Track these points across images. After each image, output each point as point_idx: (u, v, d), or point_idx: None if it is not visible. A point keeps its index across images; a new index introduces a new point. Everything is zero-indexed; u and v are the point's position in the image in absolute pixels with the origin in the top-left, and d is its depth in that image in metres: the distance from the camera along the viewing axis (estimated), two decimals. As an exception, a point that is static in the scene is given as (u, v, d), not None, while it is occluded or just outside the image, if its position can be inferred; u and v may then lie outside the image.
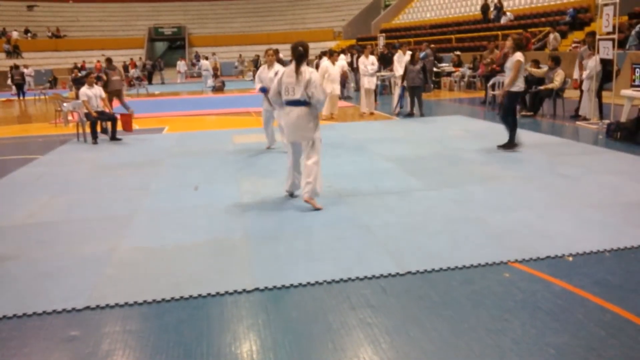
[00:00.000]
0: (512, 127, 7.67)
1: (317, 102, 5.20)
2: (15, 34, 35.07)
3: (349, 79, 16.82)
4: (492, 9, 23.73)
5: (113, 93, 12.02)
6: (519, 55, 7.37)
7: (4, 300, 3.53)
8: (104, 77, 12.26)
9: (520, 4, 23.82)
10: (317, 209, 5.21)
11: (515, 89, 7.48)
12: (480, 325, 3.04)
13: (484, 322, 3.07)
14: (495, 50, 14.87)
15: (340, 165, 7.11)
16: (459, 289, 3.49)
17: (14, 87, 22.95)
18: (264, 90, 8.17)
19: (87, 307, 3.38)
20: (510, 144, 7.68)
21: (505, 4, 23.77)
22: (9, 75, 24.18)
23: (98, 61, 20.79)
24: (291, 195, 5.70)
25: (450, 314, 3.18)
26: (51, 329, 3.17)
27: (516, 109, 7.87)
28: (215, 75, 24.52)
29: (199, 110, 15.17)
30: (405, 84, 11.95)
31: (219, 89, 22.69)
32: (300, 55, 5.16)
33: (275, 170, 6.90)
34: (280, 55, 9.65)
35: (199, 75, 28.53)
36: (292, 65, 5.23)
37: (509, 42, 7.68)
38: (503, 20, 22.40)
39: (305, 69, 5.19)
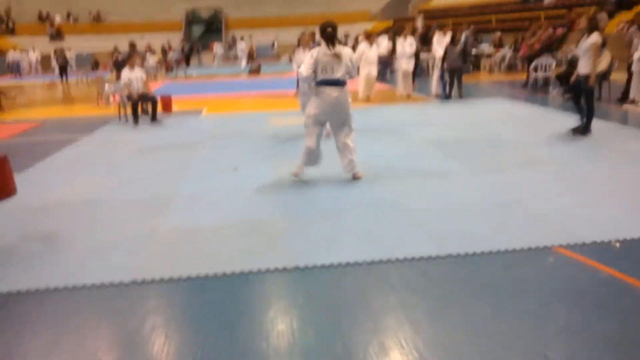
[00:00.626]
0: (589, 112, 7.27)
1: (353, 68, 5.33)
2: (58, 18, 35.93)
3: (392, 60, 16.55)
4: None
5: None
6: (595, 37, 6.96)
7: (52, 274, 3.66)
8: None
9: (565, -17, 22.87)
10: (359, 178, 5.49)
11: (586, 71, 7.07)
12: (523, 310, 2.99)
13: (527, 308, 3.01)
14: (537, 32, 14.40)
15: (378, 148, 7.05)
16: (501, 274, 3.44)
17: (57, 70, 23.61)
18: None
19: (134, 282, 3.48)
20: (587, 129, 7.29)
21: (548, -17, 22.88)
22: (53, 57, 24.86)
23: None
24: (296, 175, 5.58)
25: (493, 298, 3.14)
26: (99, 302, 3.28)
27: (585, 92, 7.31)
28: (251, 57, 24.59)
29: (236, 92, 15.28)
30: (445, 66, 11.72)
31: (255, 71, 22.75)
32: (330, 36, 5.17)
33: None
34: (317, 37, 9.59)
35: (236, 58, 28.72)
36: (324, 45, 5.20)
37: (583, 23, 7.32)
38: (546, 1, 21.63)
39: (341, 49, 5.24)
